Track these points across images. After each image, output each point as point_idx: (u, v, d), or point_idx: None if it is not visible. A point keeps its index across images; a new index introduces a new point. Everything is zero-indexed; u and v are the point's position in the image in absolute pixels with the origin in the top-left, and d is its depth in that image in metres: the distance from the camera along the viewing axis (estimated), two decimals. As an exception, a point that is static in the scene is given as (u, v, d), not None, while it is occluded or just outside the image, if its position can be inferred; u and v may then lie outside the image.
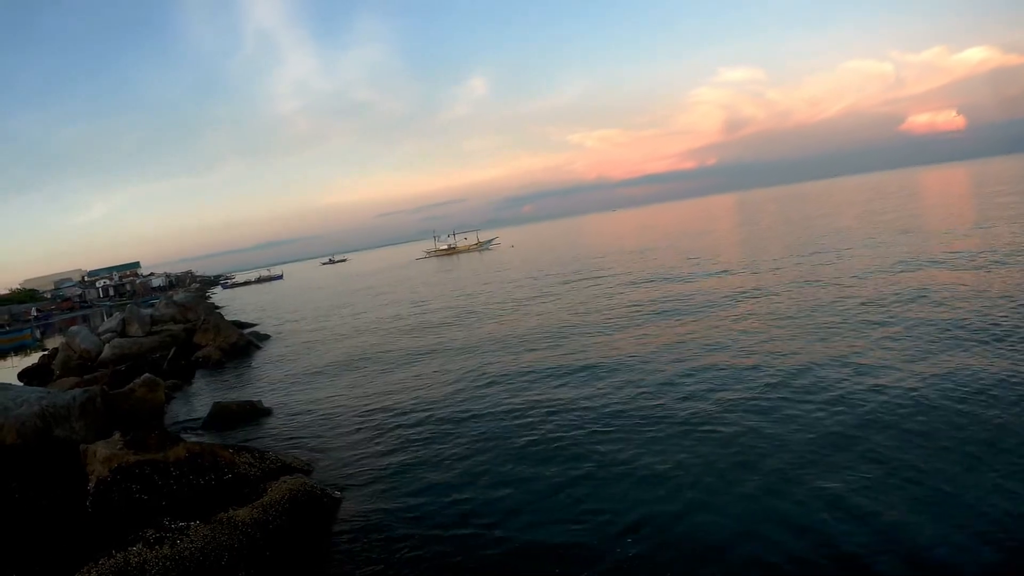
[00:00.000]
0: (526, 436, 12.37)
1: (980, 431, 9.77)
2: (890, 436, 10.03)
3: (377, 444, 13.12)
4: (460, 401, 15.54)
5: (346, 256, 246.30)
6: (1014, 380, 11.58)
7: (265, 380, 22.22)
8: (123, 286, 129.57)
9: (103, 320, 47.65)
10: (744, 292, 24.91)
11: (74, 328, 31.74)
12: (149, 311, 39.24)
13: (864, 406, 11.40)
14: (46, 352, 37.40)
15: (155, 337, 31.07)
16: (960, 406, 10.78)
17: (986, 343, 14.01)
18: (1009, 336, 14.21)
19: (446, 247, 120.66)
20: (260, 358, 27.73)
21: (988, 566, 6.75)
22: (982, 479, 8.37)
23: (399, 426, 14.19)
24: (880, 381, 12.52)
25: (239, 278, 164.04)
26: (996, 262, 22.91)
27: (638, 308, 25.02)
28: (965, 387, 11.57)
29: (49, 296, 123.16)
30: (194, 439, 13.63)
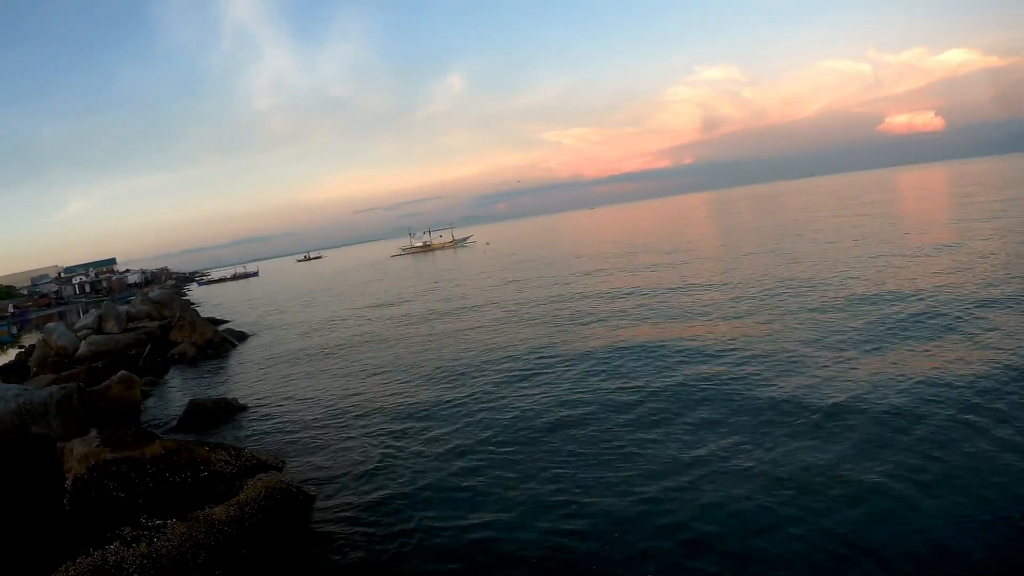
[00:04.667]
0: (499, 429, 12.40)
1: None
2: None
3: (351, 440, 13.03)
4: (432, 397, 15.47)
5: (322, 253, 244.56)
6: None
7: (240, 377, 21.96)
8: (99, 282, 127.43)
9: (79, 317, 46.85)
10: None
11: (51, 325, 31.18)
12: (125, 308, 38.62)
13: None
14: (23, 349, 36.65)
15: (131, 334, 30.58)
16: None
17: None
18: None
19: (421, 245, 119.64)
20: (235, 355, 27.40)
21: None
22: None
23: (372, 422, 14.10)
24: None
25: (215, 275, 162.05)
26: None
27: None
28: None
29: (26, 292, 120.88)
30: (170, 436, 13.46)
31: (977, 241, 27.89)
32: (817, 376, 13.08)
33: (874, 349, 14.49)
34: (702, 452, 10.16)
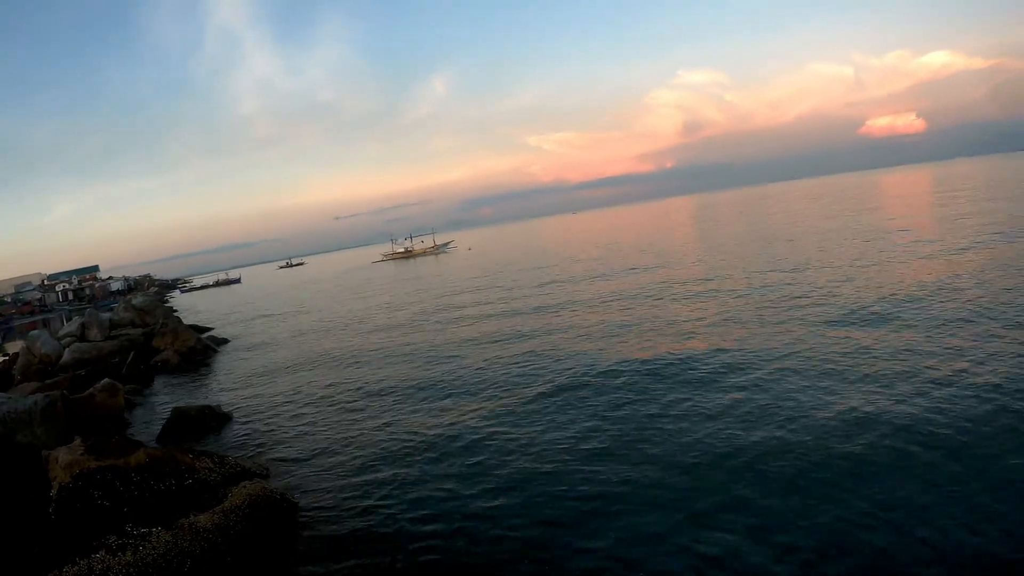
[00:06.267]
0: (486, 436, 12.37)
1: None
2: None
3: (335, 448, 12.95)
4: (415, 404, 15.43)
5: (304, 259, 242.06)
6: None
7: (223, 384, 21.76)
8: (82, 290, 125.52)
9: (63, 324, 46.17)
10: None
11: (34, 332, 30.70)
12: (108, 315, 38.15)
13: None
14: (7, 357, 36.06)
15: (114, 341, 30.20)
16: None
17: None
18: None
19: (403, 250, 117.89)
20: (218, 362, 27.16)
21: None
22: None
23: (357, 429, 14.03)
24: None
25: (197, 282, 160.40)
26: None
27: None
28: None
29: (9, 300, 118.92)
30: (154, 444, 13.33)
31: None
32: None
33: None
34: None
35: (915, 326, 15.90)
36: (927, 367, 12.72)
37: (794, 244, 38.39)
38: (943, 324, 15.67)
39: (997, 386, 11.18)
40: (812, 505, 8.19)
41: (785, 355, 14.93)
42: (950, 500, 7.92)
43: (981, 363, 12.47)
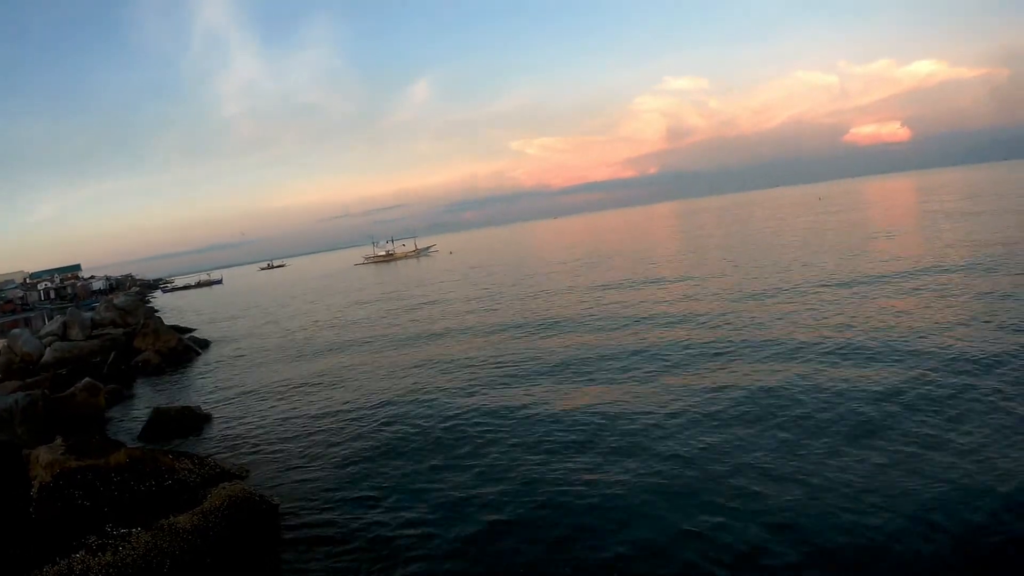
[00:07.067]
0: (459, 440, 12.45)
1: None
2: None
3: (314, 449, 12.96)
4: (394, 407, 15.43)
5: (285, 262, 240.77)
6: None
7: (204, 385, 21.65)
8: (64, 289, 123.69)
9: (44, 323, 45.67)
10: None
11: (16, 331, 30.39)
12: (90, 314, 37.80)
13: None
14: (-13, 355, 35.70)
15: (95, 341, 29.89)
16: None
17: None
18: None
19: (384, 254, 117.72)
20: (199, 363, 27.02)
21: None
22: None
23: (335, 432, 14.04)
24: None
25: (179, 282, 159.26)
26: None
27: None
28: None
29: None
30: (135, 444, 13.27)
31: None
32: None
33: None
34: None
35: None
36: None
37: (773, 256, 38.62)
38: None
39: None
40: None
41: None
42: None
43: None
